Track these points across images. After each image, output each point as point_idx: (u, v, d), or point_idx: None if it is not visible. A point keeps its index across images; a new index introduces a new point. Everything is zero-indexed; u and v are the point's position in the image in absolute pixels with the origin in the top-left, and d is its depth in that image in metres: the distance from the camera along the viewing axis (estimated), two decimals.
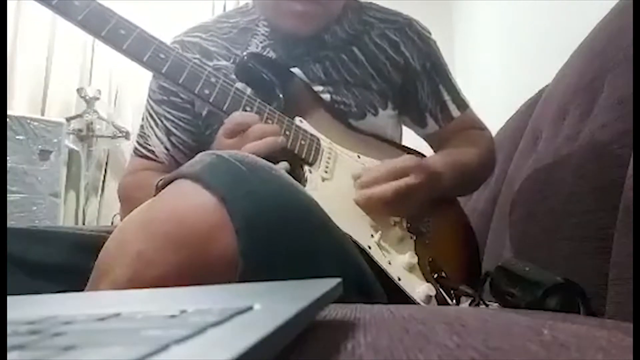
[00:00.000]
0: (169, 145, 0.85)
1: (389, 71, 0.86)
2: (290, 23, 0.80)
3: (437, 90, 0.89)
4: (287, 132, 0.70)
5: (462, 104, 0.91)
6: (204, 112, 0.84)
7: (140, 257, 0.40)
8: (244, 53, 0.80)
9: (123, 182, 0.88)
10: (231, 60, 0.85)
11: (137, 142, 0.89)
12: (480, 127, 0.94)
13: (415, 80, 0.88)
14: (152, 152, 0.86)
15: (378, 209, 0.69)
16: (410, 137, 0.95)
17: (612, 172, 0.60)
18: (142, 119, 0.90)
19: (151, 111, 0.88)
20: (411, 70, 0.88)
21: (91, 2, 0.63)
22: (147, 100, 0.89)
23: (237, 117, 0.67)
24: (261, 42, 0.86)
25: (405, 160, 0.73)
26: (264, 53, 0.84)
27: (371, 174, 0.71)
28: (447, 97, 0.90)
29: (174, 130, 0.86)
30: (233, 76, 0.78)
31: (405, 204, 0.71)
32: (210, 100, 0.66)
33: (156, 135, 0.86)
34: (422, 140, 0.95)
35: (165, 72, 0.65)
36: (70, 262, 0.61)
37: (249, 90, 0.74)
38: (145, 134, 0.87)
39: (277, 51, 0.84)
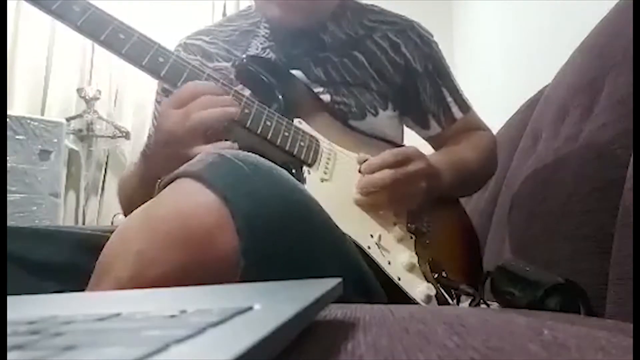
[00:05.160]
0: None
1: (389, 72, 0.86)
2: (276, 11, 0.80)
3: (440, 92, 0.89)
4: (286, 134, 0.70)
5: (465, 106, 0.91)
6: None
7: (142, 256, 0.40)
8: (243, 55, 0.81)
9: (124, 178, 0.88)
10: (231, 62, 0.85)
11: (146, 143, 0.89)
12: (482, 128, 0.94)
13: (417, 82, 0.88)
14: None
15: (378, 196, 0.69)
16: (412, 138, 0.95)
17: (612, 172, 0.60)
18: (151, 121, 0.92)
19: (155, 112, 0.88)
20: (412, 71, 0.88)
21: (90, 7, 0.63)
22: (154, 102, 0.90)
23: (190, 85, 0.64)
24: (261, 44, 0.86)
25: (408, 149, 0.74)
26: (264, 54, 0.84)
27: (374, 160, 0.71)
28: (449, 99, 0.90)
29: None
30: (232, 77, 0.78)
31: (404, 193, 0.71)
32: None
33: None
34: (422, 140, 0.95)
35: (164, 75, 0.65)
36: (70, 262, 0.61)
37: (248, 92, 0.74)
38: (150, 135, 0.88)
39: (276, 52, 0.84)
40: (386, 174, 0.69)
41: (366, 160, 0.72)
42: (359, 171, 0.72)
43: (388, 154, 0.71)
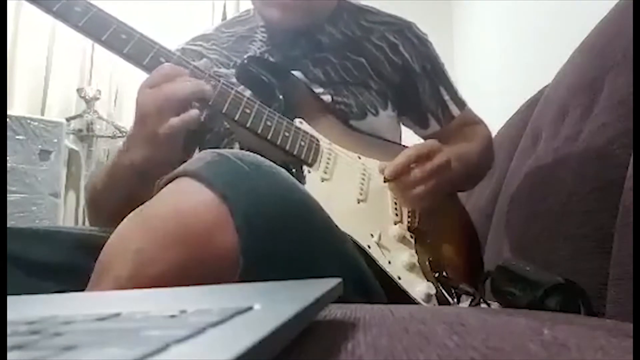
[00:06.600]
0: None
1: (388, 72, 0.87)
2: (275, 13, 0.80)
3: (438, 91, 0.90)
4: (287, 134, 0.70)
5: (461, 103, 0.93)
6: (203, 116, 0.84)
7: (141, 255, 0.40)
8: (244, 57, 0.81)
9: None
10: (230, 67, 0.85)
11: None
12: (477, 122, 0.96)
13: (416, 82, 0.89)
14: None
15: (415, 193, 0.71)
16: (410, 138, 0.96)
17: (612, 172, 0.60)
18: None
19: None
20: (411, 71, 0.88)
21: (92, 8, 0.63)
22: None
23: (166, 67, 0.65)
24: (259, 48, 0.86)
25: (428, 143, 0.76)
26: (264, 57, 0.85)
27: (399, 160, 0.72)
28: (447, 97, 0.91)
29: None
30: (233, 80, 0.79)
31: (439, 184, 0.72)
32: (210, 102, 0.66)
33: None
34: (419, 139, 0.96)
35: None
36: (70, 262, 0.62)
37: (248, 93, 0.74)
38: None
39: (275, 56, 0.85)
40: (418, 172, 0.71)
41: (384, 168, 0.73)
42: (384, 180, 0.73)
43: (411, 151, 0.73)
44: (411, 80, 0.89)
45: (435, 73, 0.90)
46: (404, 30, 0.89)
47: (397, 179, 0.72)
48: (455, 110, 0.91)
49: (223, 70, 0.85)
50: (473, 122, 0.95)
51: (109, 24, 0.64)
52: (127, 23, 0.66)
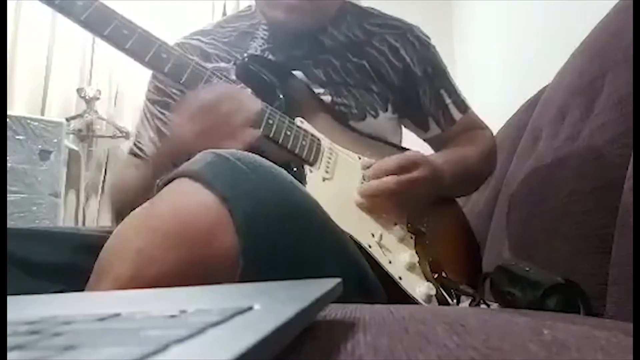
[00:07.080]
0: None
1: (389, 75, 0.86)
2: (280, 14, 0.80)
3: (439, 95, 0.90)
4: (288, 132, 0.70)
5: (463, 106, 0.92)
6: None
7: (141, 255, 0.40)
8: (244, 55, 0.81)
9: (111, 183, 0.88)
10: (231, 63, 0.85)
11: (133, 141, 0.89)
12: (481, 127, 0.95)
13: (417, 85, 0.89)
14: (144, 150, 0.86)
15: (380, 201, 0.69)
16: (410, 139, 0.95)
17: (612, 172, 0.60)
18: (139, 118, 0.90)
19: (146, 110, 0.88)
20: (412, 74, 0.88)
21: (94, 2, 0.63)
22: (144, 100, 0.90)
23: (209, 96, 0.63)
24: (260, 46, 0.86)
25: (413, 154, 0.73)
26: (264, 56, 0.85)
27: (377, 166, 0.71)
28: (448, 101, 0.90)
29: (165, 130, 0.85)
30: (232, 77, 0.79)
31: (408, 198, 0.70)
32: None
33: (148, 135, 0.86)
34: (421, 141, 0.95)
35: (167, 71, 0.65)
36: (70, 262, 0.62)
37: (248, 91, 0.74)
38: (140, 132, 0.88)
39: (276, 55, 0.85)
40: (390, 180, 0.69)
41: (370, 165, 0.72)
42: (363, 177, 0.72)
43: (392, 160, 0.71)
44: (412, 84, 0.88)
45: (436, 76, 0.90)
46: (405, 33, 0.89)
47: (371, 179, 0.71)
48: (456, 114, 0.90)
49: (223, 64, 0.85)
50: (476, 126, 0.94)
51: (111, 19, 0.64)
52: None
